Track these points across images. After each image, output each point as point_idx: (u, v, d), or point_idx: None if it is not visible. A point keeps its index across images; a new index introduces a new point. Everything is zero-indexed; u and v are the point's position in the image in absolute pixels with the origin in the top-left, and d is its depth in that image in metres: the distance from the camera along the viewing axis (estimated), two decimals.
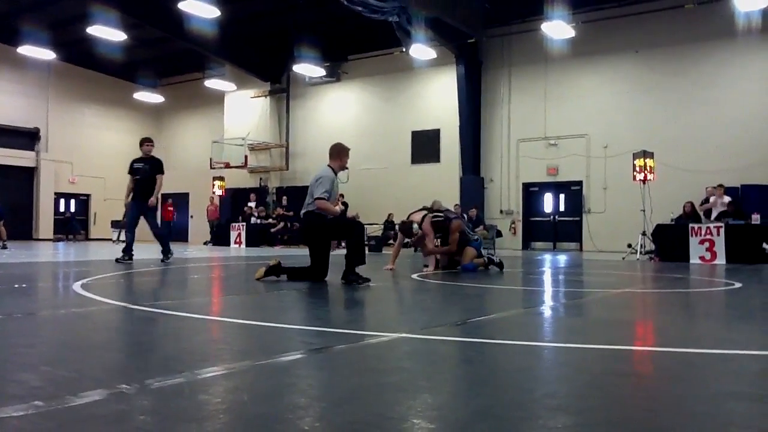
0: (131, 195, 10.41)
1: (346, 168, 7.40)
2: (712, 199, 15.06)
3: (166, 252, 10.50)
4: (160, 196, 10.74)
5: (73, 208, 29.03)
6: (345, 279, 6.76)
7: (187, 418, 1.94)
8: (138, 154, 10.72)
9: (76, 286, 5.98)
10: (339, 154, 7.27)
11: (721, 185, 15.12)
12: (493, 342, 3.47)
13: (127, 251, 10.20)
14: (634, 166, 15.19)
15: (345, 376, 2.59)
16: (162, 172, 10.33)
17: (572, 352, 3.23)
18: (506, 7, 20.21)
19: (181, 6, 18.26)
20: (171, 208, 26.01)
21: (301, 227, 7.57)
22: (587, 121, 19.78)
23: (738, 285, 7.45)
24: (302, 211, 7.13)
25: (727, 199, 14.78)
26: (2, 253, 13.93)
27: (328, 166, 7.25)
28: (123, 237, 11.54)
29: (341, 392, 2.31)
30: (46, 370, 2.61)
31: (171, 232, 23.72)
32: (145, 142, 10.65)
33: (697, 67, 18.23)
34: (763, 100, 17.23)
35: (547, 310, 5.15)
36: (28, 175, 27.08)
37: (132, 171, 10.34)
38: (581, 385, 2.50)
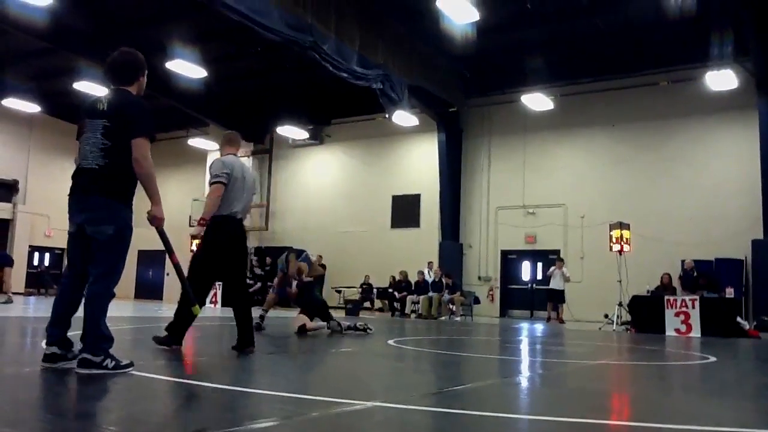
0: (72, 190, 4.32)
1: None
2: (550, 270, 17.52)
3: None
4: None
5: (47, 262, 28.54)
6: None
7: None
8: None
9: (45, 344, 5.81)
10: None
11: (561, 258, 17.89)
12: (470, 413, 3.42)
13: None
14: (610, 236, 15.35)
15: None
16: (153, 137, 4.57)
17: (549, 425, 3.19)
18: (487, 79, 20.71)
19: (168, 65, 18.50)
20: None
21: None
22: (565, 192, 20.06)
23: (713, 359, 7.47)
24: (240, 216, 5.98)
25: (566, 271, 17.19)
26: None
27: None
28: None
29: None
30: None
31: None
32: None
33: (671, 142, 18.69)
34: (733, 176, 17.62)
35: (524, 381, 5.11)
36: (3, 226, 26.69)
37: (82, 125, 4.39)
38: None
